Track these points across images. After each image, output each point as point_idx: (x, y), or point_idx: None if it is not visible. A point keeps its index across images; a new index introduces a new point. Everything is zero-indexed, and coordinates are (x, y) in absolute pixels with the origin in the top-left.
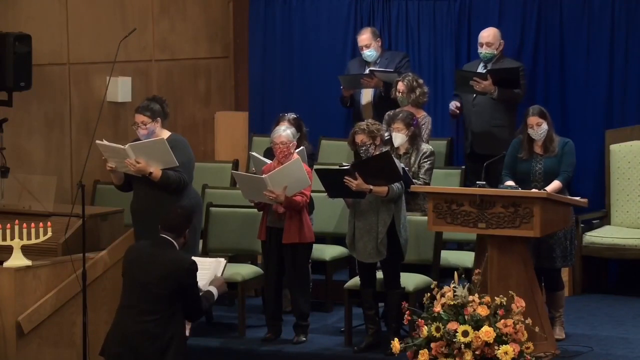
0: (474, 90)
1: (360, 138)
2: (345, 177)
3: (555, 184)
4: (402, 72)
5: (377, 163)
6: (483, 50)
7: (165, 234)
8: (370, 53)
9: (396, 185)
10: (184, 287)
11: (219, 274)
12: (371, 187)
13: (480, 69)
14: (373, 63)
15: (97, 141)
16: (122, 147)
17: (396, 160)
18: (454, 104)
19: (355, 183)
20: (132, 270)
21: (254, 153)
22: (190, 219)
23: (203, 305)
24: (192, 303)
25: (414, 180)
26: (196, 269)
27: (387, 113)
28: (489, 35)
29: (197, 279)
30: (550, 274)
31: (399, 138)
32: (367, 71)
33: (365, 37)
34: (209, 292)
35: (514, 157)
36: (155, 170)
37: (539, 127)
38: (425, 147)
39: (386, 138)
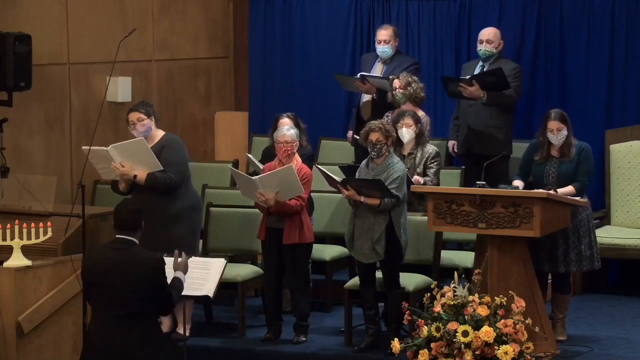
0: (464, 96)
1: (375, 136)
2: (338, 185)
3: (569, 188)
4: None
5: (370, 184)
6: (483, 47)
7: (122, 234)
8: (386, 49)
9: (388, 199)
10: (157, 285)
11: (219, 274)
12: (362, 198)
13: (478, 69)
14: (385, 60)
15: (83, 147)
16: (104, 148)
17: (399, 164)
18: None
19: (346, 194)
20: (102, 280)
21: (250, 155)
22: (140, 210)
23: (174, 298)
24: (165, 299)
25: (423, 178)
26: (164, 265)
27: (386, 114)
28: (489, 33)
29: (194, 279)
30: (558, 276)
31: (408, 134)
32: (358, 76)
33: (386, 32)
34: (177, 280)
35: (530, 158)
36: (140, 173)
37: (559, 132)
38: (431, 147)
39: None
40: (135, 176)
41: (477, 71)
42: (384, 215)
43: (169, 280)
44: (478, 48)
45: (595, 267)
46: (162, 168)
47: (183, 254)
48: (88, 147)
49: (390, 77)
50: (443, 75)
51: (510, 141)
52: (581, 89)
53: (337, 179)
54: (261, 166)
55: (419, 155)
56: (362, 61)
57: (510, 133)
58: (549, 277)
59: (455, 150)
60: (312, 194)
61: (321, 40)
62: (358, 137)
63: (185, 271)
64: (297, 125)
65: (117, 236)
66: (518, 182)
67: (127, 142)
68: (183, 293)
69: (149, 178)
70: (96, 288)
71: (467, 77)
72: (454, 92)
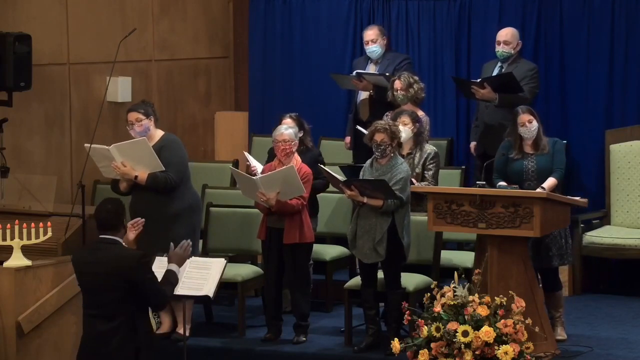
0: (477, 98)
1: (381, 137)
2: (341, 185)
3: (552, 181)
4: (395, 74)
5: (373, 185)
6: (500, 49)
7: (104, 234)
8: (375, 49)
9: (391, 200)
10: (139, 283)
11: (219, 274)
12: (365, 200)
13: (497, 69)
14: (376, 60)
15: (86, 145)
16: (106, 147)
17: (403, 165)
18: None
19: (348, 193)
20: (83, 279)
21: (246, 153)
22: (120, 209)
23: (167, 293)
24: (153, 295)
25: (421, 183)
26: (148, 261)
27: (385, 114)
28: (507, 33)
29: (194, 279)
30: (547, 273)
31: (405, 132)
32: (354, 74)
33: (372, 32)
34: (170, 273)
35: (505, 158)
36: (141, 174)
37: (530, 124)
38: (429, 148)
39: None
40: (136, 177)
41: (495, 71)
42: (387, 216)
43: (160, 275)
44: (496, 49)
45: (570, 262)
46: (164, 168)
47: (184, 243)
48: (90, 146)
49: (387, 74)
50: (453, 76)
51: None
52: (581, 89)
53: (340, 178)
54: (254, 162)
55: (417, 155)
56: (354, 66)
57: None
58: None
59: (475, 152)
60: (316, 195)
61: (321, 40)
62: (365, 132)
63: (180, 263)
64: (300, 126)
65: (99, 236)
66: (503, 184)
67: (129, 142)
68: (183, 293)
69: (149, 178)
70: (81, 288)
71: (479, 79)
72: (468, 94)
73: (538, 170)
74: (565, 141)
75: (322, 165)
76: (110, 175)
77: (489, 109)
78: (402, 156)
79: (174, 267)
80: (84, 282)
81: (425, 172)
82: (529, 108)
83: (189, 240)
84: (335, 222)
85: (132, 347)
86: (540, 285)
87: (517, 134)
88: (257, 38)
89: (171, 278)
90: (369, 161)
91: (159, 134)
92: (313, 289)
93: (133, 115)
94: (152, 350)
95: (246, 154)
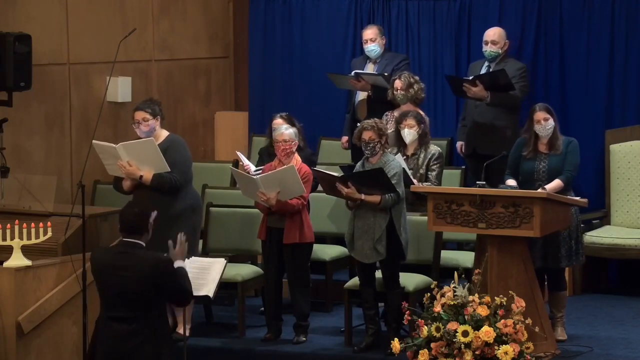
0: (469, 96)
1: (368, 135)
2: (337, 184)
3: (556, 183)
4: (394, 74)
5: (370, 177)
6: (488, 49)
7: (128, 237)
8: (373, 48)
9: (389, 195)
10: (166, 287)
11: (219, 274)
12: (362, 197)
13: (484, 69)
14: (374, 60)
15: (94, 141)
16: (113, 145)
17: (400, 161)
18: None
19: (345, 191)
20: (104, 281)
21: (239, 153)
22: (147, 214)
23: (190, 288)
24: (178, 294)
25: (424, 183)
26: (172, 266)
27: (385, 113)
28: (494, 33)
29: (194, 279)
30: (554, 273)
31: (411, 135)
32: (352, 74)
33: (371, 31)
34: (182, 269)
35: (518, 156)
36: (146, 174)
37: (546, 122)
38: (434, 148)
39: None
40: (141, 176)
41: (483, 71)
42: (385, 214)
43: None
44: (483, 49)
45: (580, 262)
46: (169, 169)
47: (178, 238)
48: (98, 142)
49: (385, 74)
50: (446, 74)
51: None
52: (581, 89)
53: (337, 174)
54: (247, 162)
55: (422, 155)
56: (352, 66)
57: (516, 133)
58: (545, 278)
59: (463, 151)
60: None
61: (321, 40)
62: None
63: (182, 257)
64: (291, 124)
65: (122, 239)
66: (511, 182)
67: (137, 141)
68: None
69: (155, 178)
70: (98, 289)
71: (471, 77)
72: (460, 94)
73: (549, 171)
74: None
75: (314, 168)
76: (114, 173)
77: (479, 108)
78: (407, 157)
79: (180, 263)
80: (108, 285)
81: (429, 172)
82: (547, 106)
83: (182, 234)
84: (334, 222)
85: (153, 349)
86: (546, 283)
87: (533, 131)
88: (257, 38)
89: (185, 273)
90: (360, 162)
91: (164, 134)
92: (313, 289)
93: (140, 115)
94: (173, 352)
95: (238, 153)
